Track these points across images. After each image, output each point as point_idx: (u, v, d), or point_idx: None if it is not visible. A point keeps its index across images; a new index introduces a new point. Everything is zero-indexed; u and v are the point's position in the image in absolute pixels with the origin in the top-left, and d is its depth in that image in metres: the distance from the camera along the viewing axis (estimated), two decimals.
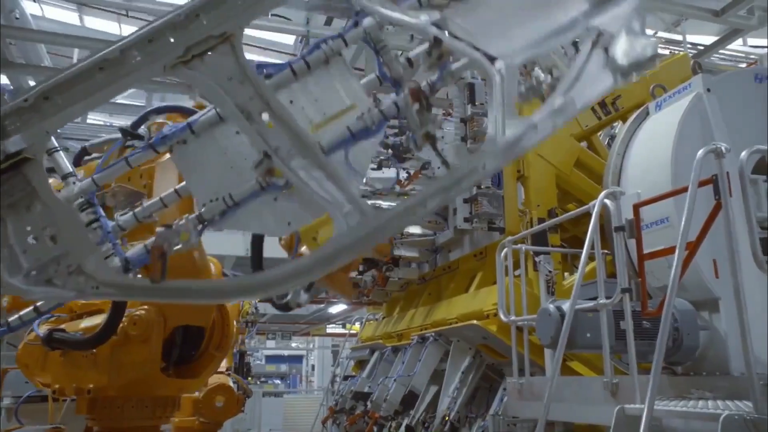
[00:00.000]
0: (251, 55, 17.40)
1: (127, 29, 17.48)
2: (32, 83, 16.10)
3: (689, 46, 13.49)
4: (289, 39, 17.07)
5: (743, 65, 13.68)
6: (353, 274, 6.72)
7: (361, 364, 8.45)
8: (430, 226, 6.29)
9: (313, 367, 28.81)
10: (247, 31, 17.62)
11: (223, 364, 6.90)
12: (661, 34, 13.94)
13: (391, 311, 7.81)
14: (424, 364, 5.70)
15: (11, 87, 14.95)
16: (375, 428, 6.24)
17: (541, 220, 4.94)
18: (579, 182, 5.47)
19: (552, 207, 5.15)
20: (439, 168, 5.44)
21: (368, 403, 6.25)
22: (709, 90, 4.18)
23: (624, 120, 5.90)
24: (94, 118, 18.18)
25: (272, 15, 14.29)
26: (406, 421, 5.60)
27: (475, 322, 4.92)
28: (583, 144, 5.89)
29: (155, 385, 3.87)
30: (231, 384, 6.66)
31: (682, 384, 3.50)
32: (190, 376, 4.17)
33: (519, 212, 5.28)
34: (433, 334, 5.70)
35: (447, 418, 5.16)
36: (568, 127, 5.57)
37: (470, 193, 5.21)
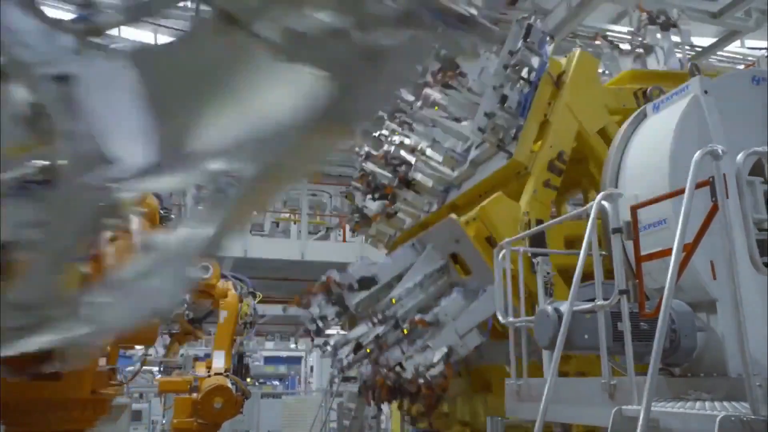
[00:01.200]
0: None
1: (127, 31, 17.50)
2: None
3: (687, 47, 13.51)
4: None
5: (741, 67, 13.72)
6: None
7: None
8: (448, 162, 6.18)
9: (311, 368, 28.80)
10: None
11: (222, 366, 6.91)
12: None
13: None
14: (393, 260, 5.86)
15: None
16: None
17: (539, 222, 4.95)
18: (597, 147, 5.43)
19: (561, 150, 5.25)
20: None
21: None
22: (706, 92, 4.19)
23: (580, 151, 5.86)
24: None
25: None
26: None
27: (453, 216, 4.89)
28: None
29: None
30: (229, 385, 6.66)
31: (679, 385, 3.52)
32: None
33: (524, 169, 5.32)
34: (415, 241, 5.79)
35: (392, 301, 5.29)
36: (607, 98, 5.65)
37: (492, 108, 5.29)
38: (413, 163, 6.27)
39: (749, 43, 14.84)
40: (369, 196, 6.98)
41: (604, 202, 3.44)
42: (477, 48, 1.80)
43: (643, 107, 4.86)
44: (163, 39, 17.82)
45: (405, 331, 5.27)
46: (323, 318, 5.97)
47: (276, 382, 27.68)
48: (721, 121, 4.09)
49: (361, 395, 6.51)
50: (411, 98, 6.59)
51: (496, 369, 5.92)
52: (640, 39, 7.06)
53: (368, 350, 5.77)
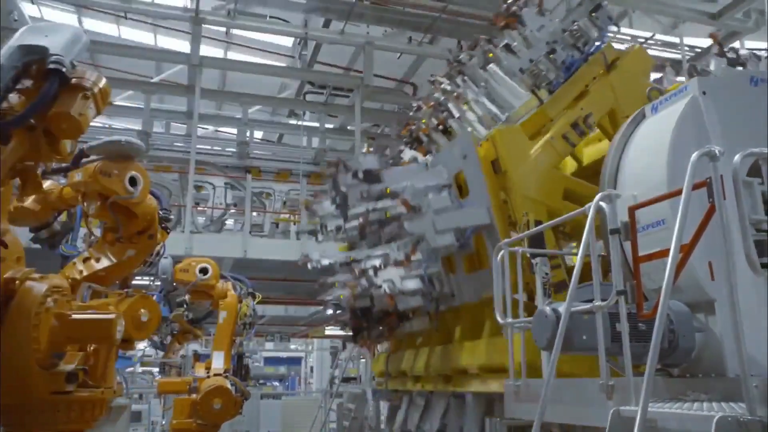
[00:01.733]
0: (247, 56, 17.44)
1: (126, 31, 17.54)
2: None
3: (686, 48, 13.54)
4: (287, 41, 17.14)
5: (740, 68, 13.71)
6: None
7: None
8: (486, 121, 6.18)
9: (311, 369, 28.82)
10: (245, 33, 17.72)
11: (221, 366, 6.90)
12: (658, 36, 14.02)
13: (397, 347, 7.74)
14: (402, 171, 5.77)
15: None
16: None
17: (538, 223, 4.96)
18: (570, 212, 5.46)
19: (590, 113, 5.42)
20: (433, 239, 5.37)
21: None
22: (704, 93, 4.20)
23: (607, 131, 5.93)
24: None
25: (270, 17, 14.36)
26: None
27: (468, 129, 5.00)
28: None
29: None
30: (229, 386, 6.66)
31: (678, 386, 3.52)
32: None
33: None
34: (470, 395, 5.69)
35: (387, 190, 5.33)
36: (548, 158, 5.53)
37: (537, 56, 5.49)
38: (455, 114, 6.30)
39: (748, 43, 14.84)
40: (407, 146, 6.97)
41: (602, 203, 3.45)
42: None
43: (642, 108, 4.87)
44: (163, 39, 17.85)
45: (387, 215, 5.31)
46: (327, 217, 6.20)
47: (276, 383, 27.68)
48: (719, 122, 4.10)
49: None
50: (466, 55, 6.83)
51: (467, 309, 5.98)
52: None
53: (351, 259, 6.01)
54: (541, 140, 5.51)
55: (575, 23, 5.78)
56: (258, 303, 7.51)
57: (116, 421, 5.18)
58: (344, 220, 6.00)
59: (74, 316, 3.48)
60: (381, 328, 6.25)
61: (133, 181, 3.99)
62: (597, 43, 6.07)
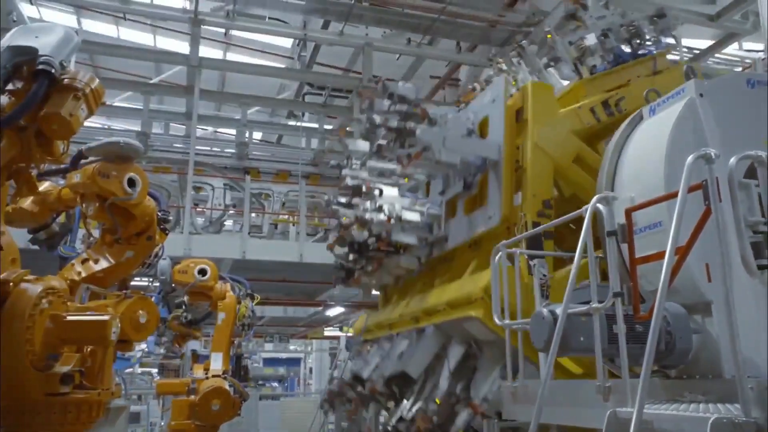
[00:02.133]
0: (246, 58, 17.45)
1: (125, 32, 17.54)
2: None
3: (685, 50, 13.55)
4: (286, 42, 17.16)
5: (738, 69, 13.75)
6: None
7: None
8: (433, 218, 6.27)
9: (311, 369, 28.81)
10: (244, 34, 17.70)
11: (220, 367, 6.90)
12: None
13: (386, 305, 7.81)
14: (420, 350, 5.73)
15: None
16: (372, 404, 6.26)
17: (535, 224, 4.97)
18: (577, 177, 5.47)
19: (547, 198, 5.17)
20: (440, 151, 5.45)
21: (366, 382, 6.27)
22: (702, 95, 4.21)
23: None
24: (91, 120, 18.22)
25: (269, 18, 14.36)
26: (403, 404, 5.63)
27: (471, 314, 4.89)
28: None
29: None
30: (227, 387, 6.66)
31: (674, 387, 3.53)
32: None
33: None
34: (431, 326, 5.73)
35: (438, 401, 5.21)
36: (570, 122, 5.62)
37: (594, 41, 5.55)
38: (391, 228, 6.21)
39: (746, 45, 14.88)
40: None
41: (599, 205, 3.46)
42: None
43: (639, 110, 4.88)
44: (162, 40, 17.86)
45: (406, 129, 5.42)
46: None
47: (275, 384, 27.66)
48: (716, 124, 4.11)
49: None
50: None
51: (457, 253, 6.06)
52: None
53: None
54: (569, 107, 5.66)
55: (634, 22, 5.93)
56: (257, 304, 7.51)
57: (115, 422, 5.17)
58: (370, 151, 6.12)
59: (69, 318, 3.48)
60: (371, 259, 6.34)
61: (131, 183, 3.98)
62: (651, 48, 6.21)
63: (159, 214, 4.30)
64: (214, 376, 6.81)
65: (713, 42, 13.58)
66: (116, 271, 4.14)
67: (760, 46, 13.74)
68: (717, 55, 14.08)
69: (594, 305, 3.29)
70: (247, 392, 6.95)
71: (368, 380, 6.27)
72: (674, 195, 2.85)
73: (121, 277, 4.38)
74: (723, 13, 11.91)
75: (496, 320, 4.31)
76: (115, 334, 3.56)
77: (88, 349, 3.82)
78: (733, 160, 2.98)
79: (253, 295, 7.55)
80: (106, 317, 3.51)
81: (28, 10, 15.76)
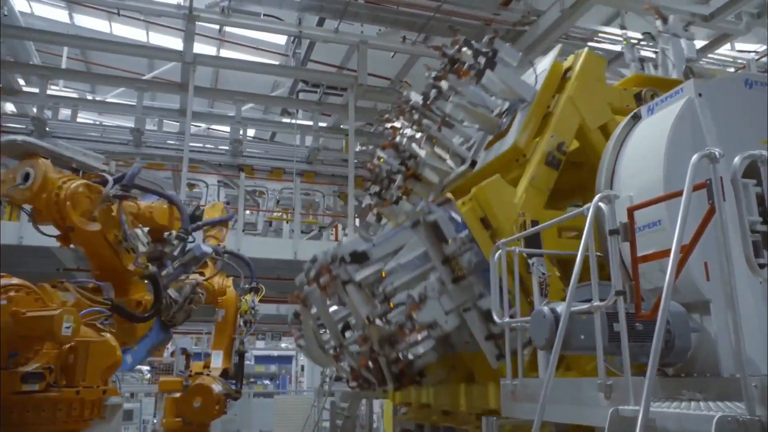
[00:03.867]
0: (241, 54, 17.38)
1: (119, 28, 17.42)
2: (21, 81, 15.98)
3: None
4: (280, 39, 17.10)
5: (731, 69, 13.85)
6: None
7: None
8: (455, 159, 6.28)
9: (302, 367, 28.77)
10: (238, 31, 17.64)
11: (220, 366, 6.89)
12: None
13: None
14: (387, 239, 5.50)
15: None
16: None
17: (534, 223, 4.97)
18: (597, 143, 5.35)
19: (563, 141, 5.32)
20: (446, 322, 5.07)
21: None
22: (700, 95, 4.24)
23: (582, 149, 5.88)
24: (83, 116, 18.10)
25: (264, 15, 14.32)
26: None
27: (449, 195, 4.97)
28: None
29: None
30: (215, 385, 6.64)
31: (672, 385, 3.55)
32: None
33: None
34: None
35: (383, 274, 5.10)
36: (609, 95, 5.69)
37: (488, 330, 4.91)
38: (422, 156, 6.25)
39: (739, 45, 14.99)
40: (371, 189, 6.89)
41: (601, 204, 3.47)
42: None
43: (638, 109, 4.90)
44: (155, 36, 17.75)
45: (392, 305, 5.15)
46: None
47: (267, 382, 27.63)
48: (714, 123, 4.14)
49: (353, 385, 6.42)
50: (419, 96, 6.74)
51: (479, 357, 5.86)
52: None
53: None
54: (522, 183, 5.30)
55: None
56: (260, 300, 7.38)
57: (111, 420, 5.16)
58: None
59: (28, 314, 3.47)
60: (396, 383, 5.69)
61: (27, 176, 4.33)
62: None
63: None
64: (196, 373, 6.85)
65: (706, 42, 13.67)
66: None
67: (753, 47, 13.86)
68: (710, 55, 14.17)
69: (595, 303, 3.30)
70: (234, 391, 6.91)
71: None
72: (679, 194, 2.87)
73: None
74: (717, 13, 11.98)
75: (496, 318, 4.31)
76: (67, 329, 3.52)
77: (67, 347, 3.78)
78: (737, 159, 3.00)
79: (258, 288, 7.39)
80: (55, 312, 3.50)
81: (19, 5, 15.63)
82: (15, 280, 3.72)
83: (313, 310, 5.98)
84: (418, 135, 6.58)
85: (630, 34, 13.68)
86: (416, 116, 6.63)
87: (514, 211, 5.13)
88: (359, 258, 5.31)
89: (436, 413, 6.64)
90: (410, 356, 5.28)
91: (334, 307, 6.03)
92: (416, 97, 6.84)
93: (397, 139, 6.85)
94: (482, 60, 5.95)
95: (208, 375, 6.79)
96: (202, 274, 6.89)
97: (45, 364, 3.68)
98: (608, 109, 5.62)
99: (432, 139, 6.38)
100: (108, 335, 4.20)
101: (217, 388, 6.72)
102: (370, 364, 5.56)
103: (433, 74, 6.49)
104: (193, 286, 6.17)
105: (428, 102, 6.48)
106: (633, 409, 2.83)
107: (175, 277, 5.91)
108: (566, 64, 5.91)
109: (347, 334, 5.97)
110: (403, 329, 4.97)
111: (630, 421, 2.76)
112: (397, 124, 6.97)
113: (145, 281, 5.23)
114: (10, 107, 16.73)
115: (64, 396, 3.72)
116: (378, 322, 5.14)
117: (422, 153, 6.34)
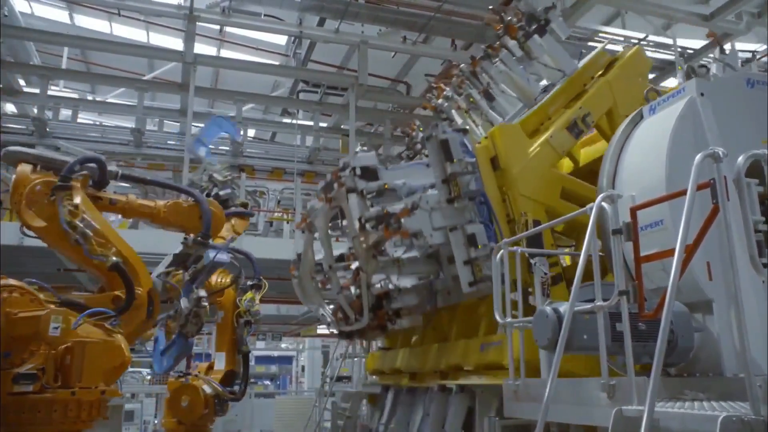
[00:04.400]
0: (241, 55, 17.37)
1: (119, 28, 17.40)
2: (22, 82, 15.97)
3: (679, 50, 13.63)
4: (281, 39, 17.08)
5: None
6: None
7: (374, 399, 8.19)
8: (426, 272, 6.02)
9: (303, 368, 28.76)
10: (239, 31, 17.62)
11: (223, 368, 6.88)
12: (651, 37, 14.10)
13: (394, 342, 7.70)
14: (453, 418, 5.50)
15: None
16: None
17: (536, 223, 4.97)
18: (568, 212, 5.39)
19: (588, 112, 5.42)
20: (431, 235, 5.24)
21: None
22: (702, 94, 4.23)
23: (605, 131, 5.96)
24: (84, 117, 18.08)
25: (264, 15, 14.30)
26: None
27: (500, 382, 4.67)
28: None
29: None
30: (204, 386, 6.62)
31: (675, 385, 3.54)
32: None
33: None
34: (455, 386, 5.58)
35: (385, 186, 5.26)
36: (546, 158, 5.53)
37: (468, 255, 5.04)
38: (456, 122, 6.43)
39: (739, 45, 14.96)
40: None
41: (603, 204, 3.47)
42: None
43: (640, 109, 4.90)
44: (155, 37, 17.73)
45: (385, 211, 5.28)
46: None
47: (267, 382, 27.62)
48: (716, 123, 4.13)
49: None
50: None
51: (457, 313, 6.00)
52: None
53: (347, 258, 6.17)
54: (539, 139, 5.53)
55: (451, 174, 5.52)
56: (261, 299, 7.30)
57: (112, 420, 5.18)
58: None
59: (19, 315, 3.47)
60: (372, 327, 6.14)
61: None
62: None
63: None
64: (185, 374, 6.88)
65: (707, 42, 13.65)
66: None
67: (753, 47, 13.83)
68: (710, 55, 14.15)
69: (598, 303, 3.30)
70: (225, 393, 6.84)
71: None
72: (682, 193, 2.86)
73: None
74: (717, 13, 11.98)
75: (498, 318, 4.31)
76: (55, 329, 3.52)
77: (63, 348, 3.75)
78: (741, 158, 3.00)
79: (260, 285, 7.15)
80: (42, 313, 3.50)
81: (19, 5, 15.61)
82: (11, 281, 3.72)
83: (316, 235, 6.41)
84: (461, 101, 6.83)
85: (629, 34, 13.70)
86: (461, 81, 6.89)
87: (524, 160, 5.35)
88: (369, 174, 5.49)
89: (405, 377, 6.81)
90: (391, 286, 5.71)
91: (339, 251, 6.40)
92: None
93: (439, 101, 7.06)
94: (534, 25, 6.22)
95: (196, 375, 6.79)
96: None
97: (38, 365, 3.67)
98: (554, 172, 5.64)
99: (470, 102, 6.59)
100: (117, 336, 4.18)
101: (207, 389, 6.71)
102: (353, 290, 6.00)
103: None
104: (196, 300, 5.82)
105: (475, 69, 6.74)
106: (637, 409, 2.83)
107: (189, 289, 5.64)
108: (485, 149, 5.71)
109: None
110: (389, 229, 5.13)
111: (634, 421, 2.75)
112: (445, 87, 7.20)
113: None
114: (10, 108, 16.72)
115: (58, 397, 3.70)
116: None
117: (459, 119, 6.53)
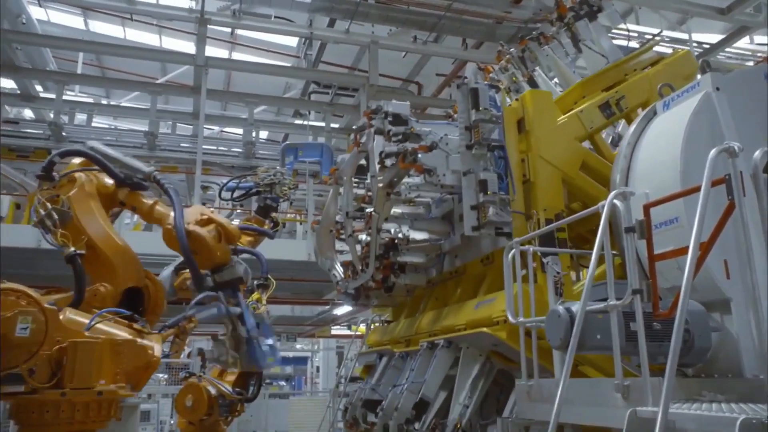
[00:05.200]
0: (252, 57, 17.43)
1: (132, 33, 17.55)
2: (39, 87, 16.16)
3: (695, 44, 13.44)
4: (292, 41, 17.12)
5: (750, 63, 13.61)
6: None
7: (368, 369, 8.36)
8: (437, 232, 6.26)
9: (318, 368, 28.82)
10: (249, 33, 17.70)
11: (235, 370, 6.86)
12: (666, 32, 13.91)
13: (398, 316, 7.76)
14: (434, 370, 5.62)
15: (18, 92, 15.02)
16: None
17: (548, 221, 4.91)
18: (585, 185, 5.44)
19: (559, 211, 5.11)
20: (444, 175, 5.44)
21: (378, 411, 6.19)
22: (718, 89, 4.14)
23: (629, 119, 5.90)
24: (98, 121, 18.27)
25: (275, 17, 14.34)
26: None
27: (485, 329, 4.88)
28: (587, 144, 5.91)
29: None
30: (208, 386, 6.62)
31: (693, 386, 3.46)
32: None
33: (526, 217, 5.25)
34: (442, 341, 5.65)
35: (459, 426, 5.12)
36: (572, 130, 5.56)
37: (477, 200, 5.16)
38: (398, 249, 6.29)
39: (758, 38, 14.73)
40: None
41: (616, 201, 3.40)
42: None
43: (653, 105, 4.81)
44: (168, 41, 17.85)
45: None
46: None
47: (282, 383, 27.70)
48: (733, 118, 4.04)
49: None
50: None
51: (469, 270, 6.03)
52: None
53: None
54: (569, 113, 5.61)
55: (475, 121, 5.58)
56: (267, 298, 7.22)
57: (127, 421, 5.19)
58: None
59: None
60: (377, 281, 6.30)
61: None
62: None
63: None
64: (189, 375, 6.89)
65: (724, 36, 13.45)
66: None
67: None
68: (727, 49, 13.95)
69: (611, 302, 3.23)
70: (233, 394, 6.81)
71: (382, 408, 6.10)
72: (696, 189, 2.79)
73: None
74: (734, 6, 11.79)
75: (510, 318, 4.25)
76: (23, 330, 3.48)
77: (56, 348, 3.72)
78: (758, 153, 2.92)
79: (267, 284, 6.94)
80: (9, 314, 3.47)
81: (36, 12, 15.80)
82: (6, 285, 3.71)
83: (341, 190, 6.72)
84: (504, 78, 6.98)
85: (643, 30, 13.54)
86: (508, 61, 7.05)
87: (550, 125, 5.43)
88: (399, 121, 5.64)
89: (401, 344, 6.85)
90: (400, 235, 5.99)
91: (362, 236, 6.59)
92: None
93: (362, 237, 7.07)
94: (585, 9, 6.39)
95: (202, 375, 6.80)
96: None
97: (28, 366, 3.63)
98: (577, 144, 5.61)
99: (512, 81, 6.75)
100: (149, 336, 4.16)
101: (211, 389, 6.73)
102: (364, 236, 6.17)
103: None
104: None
105: (523, 52, 6.94)
106: (651, 410, 2.76)
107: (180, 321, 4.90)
108: (513, 111, 5.75)
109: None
110: (404, 159, 5.32)
111: (648, 422, 2.69)
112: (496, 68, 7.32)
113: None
114: (28, 113, 16.94)
115: (48, 398, 3.65)
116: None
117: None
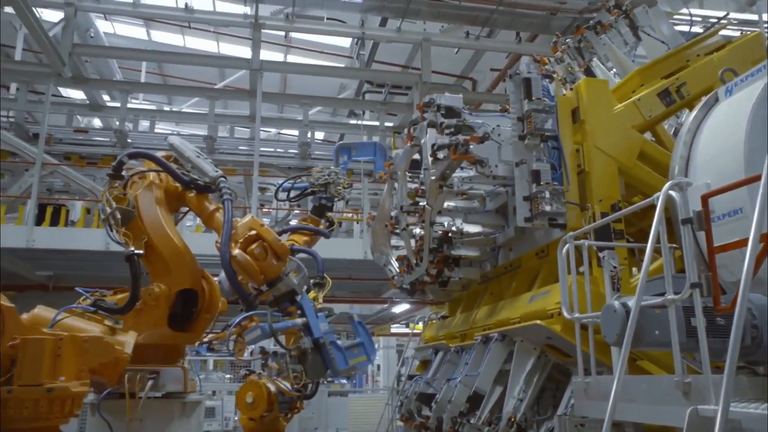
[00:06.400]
0: (307, 59, 17.71)
1: (190, 41, 18.18)
2: (106, 97, 16.98)
3: (766, 26, 12.74)
4: (345, 42, 17.30)
5: None
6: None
7: (425, 364, 8.39)
8: (490, 225, 6.21)
9: (378, 366, 28.98)
10: (302, 36, 17.96)
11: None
12: (732, 15, 13.26)
13: (454, 311, 7.77)
14: (488, 364, 5.60)
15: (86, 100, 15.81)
16: None
17: (603, 215, 4.78)
18: (643, 175, 5.26)
19: (615, 202, 4.96)
20: (497, 166, 5.39)
21: (432, 404, 6.20)
22: None
23: (691, 108, 5.66)
24: (161, 127, 19.02)
25: (327, 19, 14.52)
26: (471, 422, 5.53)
27: (538, 322, 4.82)
28: (648, 136, 5.69)
29: (165, 337, 5.00)
30: (269, 384, 6.75)
31: (763, 385, 3.30)
32: (188, 331, 5.32)
33: (581, 208, 5.12)
34: (496, 334, 5.62)
35: (513, 419, 5.06)
36: (630, 118, 5.39)
37: (530, 191, 5.11)
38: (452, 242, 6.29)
39: None
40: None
41: (671, 192, 3.28)
42: None
43: (715, 91, 4.61)
44: (225, 47, 18.38)
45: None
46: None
47: (344, 381, 27.99)
48: None
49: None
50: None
51: (524, 264, 5.97)
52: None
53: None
54: (626, 102, 5.45)
55: (528, 111, 5.50)
56: (324, 296, 7.27)
57: (191, 416, 5.38)
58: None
59: None
60: (431, 276, 6.32)
61: None
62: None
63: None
64: (251, 371, 7.05)
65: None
66: None
67: None
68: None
69: (669, 297, 3.12)
70: (292, 392, 6.92)
71: (436, 401, 6.14)
72: (757, 178, 2.66)
73: None
74: None
75: (566, 314, 4.17)
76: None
77: (9, 345, 3.72)
78: None
79: (323, 283, 6.93)
80: None
81: (102, 26, 16.60)
82: None
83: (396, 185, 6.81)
84: (560, 69, 6.94)
85: (708, 13, 12.94)
86: (565, 55, 6.99)
87: (605, 114, 5.30)
88: (452, 114, 5.62)
89: (457, 338, 6.84)
90: (454, 228, 6.05)
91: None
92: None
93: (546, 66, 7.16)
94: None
95: (260, 373, 6.95)
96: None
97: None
98: (635, 133, 5.40)
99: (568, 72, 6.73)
100: (121, 333, 4.25)
101: (271, 387, 6.87)
102: (418, 230, 6.23)
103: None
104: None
105: (580, 42, 6.86)
106: (713, 408, 2.65)
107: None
108: (567, 100, 5.61)
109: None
110: (456, 150, 5.30)
111: (710, 421, 2.59)
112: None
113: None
114: (96, 122, 17.81)
115: (29, 393, 3.50)
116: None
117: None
